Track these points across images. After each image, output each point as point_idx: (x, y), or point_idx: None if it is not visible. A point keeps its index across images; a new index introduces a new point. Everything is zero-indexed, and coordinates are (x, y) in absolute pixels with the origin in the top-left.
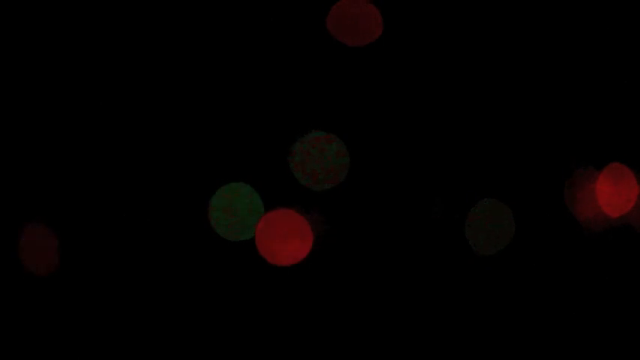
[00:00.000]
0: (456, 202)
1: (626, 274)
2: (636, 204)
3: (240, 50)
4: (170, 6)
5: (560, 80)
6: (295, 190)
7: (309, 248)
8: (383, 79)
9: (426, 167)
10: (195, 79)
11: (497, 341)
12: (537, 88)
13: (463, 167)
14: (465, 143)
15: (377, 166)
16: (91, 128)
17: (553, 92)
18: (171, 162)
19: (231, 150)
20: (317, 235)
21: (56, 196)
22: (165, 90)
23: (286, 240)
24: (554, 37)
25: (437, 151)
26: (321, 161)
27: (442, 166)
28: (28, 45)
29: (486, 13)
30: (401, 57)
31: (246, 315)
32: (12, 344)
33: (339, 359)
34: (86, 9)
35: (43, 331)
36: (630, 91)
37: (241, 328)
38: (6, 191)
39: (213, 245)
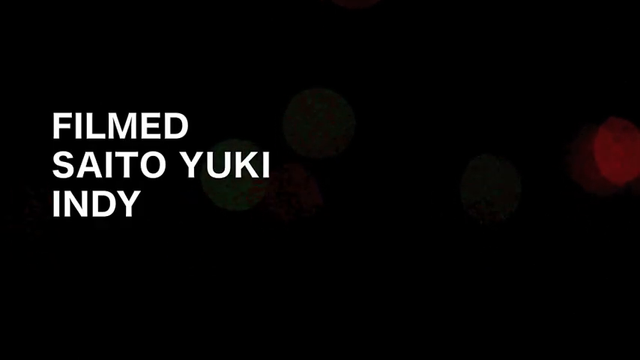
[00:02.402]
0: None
1: (632, 245)
2: None
3: (235, 19)
4: None
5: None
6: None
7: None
8: (384, 43)
9: (428, 131)
10: (199, 48)
11: (497, 317)
12: (537, 51)
13: (464, 130)
14: (467, 106)
15: (378, 131)
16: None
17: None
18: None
19: (229, 117)
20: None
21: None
22: (163, 53)
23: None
24: None
25: (439, 113)
26: (319, 126)
27: (444, 127)
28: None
29: None
30: (401, 20)
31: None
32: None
33: (340, 326)
34: None
35: (34, 298)
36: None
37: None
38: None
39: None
